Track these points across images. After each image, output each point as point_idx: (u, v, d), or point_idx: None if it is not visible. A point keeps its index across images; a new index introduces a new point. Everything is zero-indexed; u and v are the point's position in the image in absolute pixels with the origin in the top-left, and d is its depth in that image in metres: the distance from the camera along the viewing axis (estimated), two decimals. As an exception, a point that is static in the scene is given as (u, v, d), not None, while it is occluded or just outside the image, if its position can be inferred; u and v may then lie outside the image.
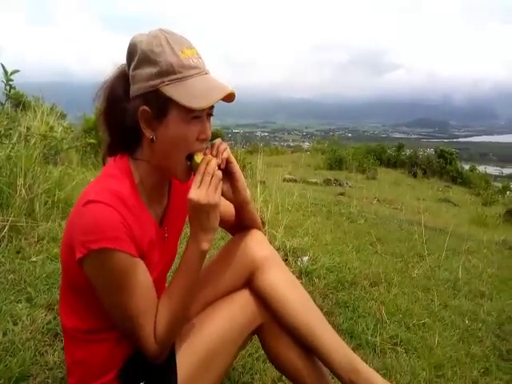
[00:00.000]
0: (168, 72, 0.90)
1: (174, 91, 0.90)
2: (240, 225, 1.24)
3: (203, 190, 0.94)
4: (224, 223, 1.22)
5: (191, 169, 0.99)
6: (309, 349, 1.16)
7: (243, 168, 7.34)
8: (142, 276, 0.94)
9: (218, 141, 1.04)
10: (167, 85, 0.90)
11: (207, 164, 0.97)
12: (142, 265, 0.94)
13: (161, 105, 0.91)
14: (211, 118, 0.99)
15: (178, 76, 0.91)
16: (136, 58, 0.93)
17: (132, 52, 0.94)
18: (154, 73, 0.90)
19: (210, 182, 0.95)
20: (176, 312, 0.98)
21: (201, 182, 0.95)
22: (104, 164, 1.05)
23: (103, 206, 0.86)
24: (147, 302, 0.96)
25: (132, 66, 0.94)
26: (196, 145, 0.97)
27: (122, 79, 0.98)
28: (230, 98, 0.97)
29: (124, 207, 0.90)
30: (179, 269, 1.01)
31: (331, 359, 1.11)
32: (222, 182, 0.99)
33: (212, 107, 0.97)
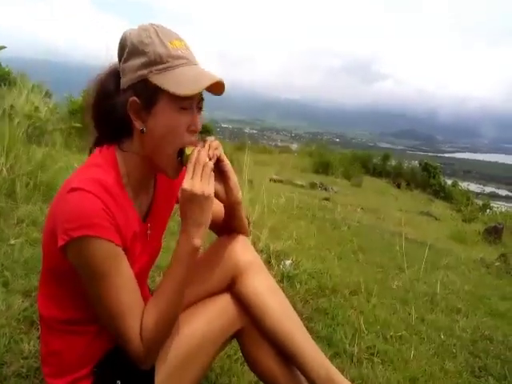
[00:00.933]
0: (156, 62, 0.91)
1: (161, 80, 0.90)
2: (228, 227, 1.22)
3: (196, 180, 0.93)
4: (212, 224, 1.20)
5: (182, 163, 0.97)
6: (287, 356, 1.16)
7: (231, 163, 7.28)
8: (125, 267, 0.92)
9: (210, 138, 1.03)
10: (155, 74, 0.91)
11: (198, 154, 0.96)
12: (124, 256, 0.92)
13: (149, 95, 0.91)
14: (201, 112, 0.99)
15: (166, 65, 0.91)
16: (126, 51, 0.94)
17: (123, 45, 0.96)
18: (142, 63, 0.91)
19: (202, 171, 0.94)
20: (165, 312, 0.95)
21: (193, 172, 0.94)
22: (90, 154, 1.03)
23: (86, 194, 0.86)
24: (130, 294, 0.93)
25: (122, 60, 0.95)
26: (186, 137, 0.96)
27: (113, 75, 0.99)
28: (219, 89, 0.97)
29: (108, 196, 0.89)
30: (170, 266, 0.98)
31: (309, 368, 1.11)
32: (213, 176, 0.97)
33: (201, 100, 0.97)
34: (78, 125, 4.31)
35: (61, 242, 0.86)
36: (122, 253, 0.92)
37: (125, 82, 0.94)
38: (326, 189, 9.85)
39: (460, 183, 22.26)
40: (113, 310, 0.91)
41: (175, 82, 0.90)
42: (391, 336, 2.12)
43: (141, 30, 0.94)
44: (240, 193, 1.13)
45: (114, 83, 0.97)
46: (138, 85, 0.92)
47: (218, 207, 1.18)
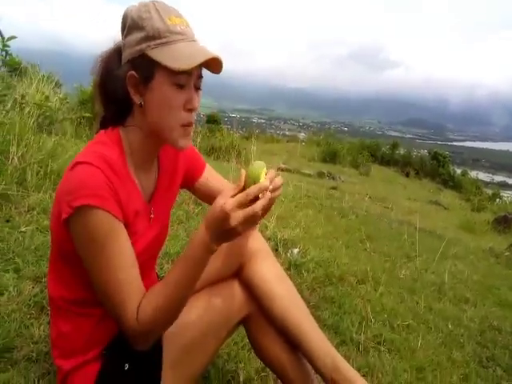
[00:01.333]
0: (154, 37, 0.91)
1: (158, 54, 0.90)
2: None
3: (238, 218, 0.86)
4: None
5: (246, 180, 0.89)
6: (293, 344, 1.16)
7: (239, 153, 7.30)
8: (124, 241, 0.91)
9: (277, 179, 0.94)
10: (153, 49, 0.91)
11: (263, 194, 0.87)
12: (125, 231, 0.92)
13: (147, 68, 0.91)
14: (200, 91, 0.97)
15: (164, 40, 0.91)
16: (126, 26, 0.95)
17: (124, 21, 0.96)
18: (141, 37, 0.91)
19: (251, 217, 0.87)
20: (169, 299, 0.92)
21: (245, 211, 0.86)
22: None
23: (89, 166, 0.87)
24: (128, 269, 0.91)
25: (124, 35, 0.96)
26: (184, 115, 0.95)
27: (117, 52, 0.99)
28: (217, 67, 0.96)
29: (110, 170, 0.89)
30: (184, 258, 0.94)
31: (315, 356, 1.12)
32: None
33: (200, 78, 0.96)
34: (87, 114, 4.32)
35: (64, 215, 0.86)
36: (122, 226, 0.91)
37: (125, 56, 0.95)
38: (333, 178, 9.80)
39: (469, 172, 22.01)
40: (109, 284, 0.90)
41: (171, 57, 0.89)
42: (398, 325, 2.12)
43: (141, 5, 0.94)
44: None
45: (117, 60, 0.98)
46: (136, 59, 0.92)
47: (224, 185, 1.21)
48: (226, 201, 0.86)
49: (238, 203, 0.86)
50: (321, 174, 9.89)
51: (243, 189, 0.89)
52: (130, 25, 0.94)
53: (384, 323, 2.11)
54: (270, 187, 0.89)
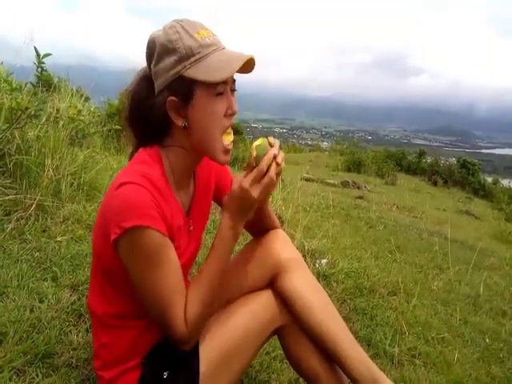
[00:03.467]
0: (188, 56, 0.92)
1: (195, 72, 0.91)
2: (258, 225, 1.23)
3: (258, 188, 0.96)
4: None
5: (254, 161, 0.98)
6: (328, 354, 1.15)
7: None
8: (173, 255, 0.95)
9: (276, 142, 1.01)
10: (188, 68, 0.92)
11: (271, 164, 0.97)
12: (172, 245, 0.95)
13: (186, 89, 0.93)
14: (235, 93, 0.99)
15: (197, 57, 0.92)
16: (156, 54, 0.95)
17: (151, 49, 0.97)
18: (174, 60, 0.92)
19: (267, 185, 0.97)
20: (205, 295, 0.98)
21: (260, 180, 0.96)
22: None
23: (135, 186, 0.89)
24: (177, 282, 0.96)
25: (153, 63, 0.96)
26: (226, 121, 0.97)
27: (143, 81, 1.00)
28: (250, 66, 0.98)
29: (155, 189, 0.91)
30: (212, 251, 1.02)
31: (351, 367, 1.10)
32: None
33: (234, 82, 0.98)
34: (117, 127, 4.45)
35: (113, 236, 0.88)
36: (170, 242, 0.94)
37: (159, 84, 0.95)
38: (358, 187, 9.66)
39: (501, 180, 21.26)
40: (161, 297, 0.94)
41: (208, 71, 0.91)
42: (433, 338, 2.06)
43: (166, 28, 0.95)
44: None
45: (145, 89, 0.99)
46: (173, 83, 0.93)
47: None
48: (242, 180, 0.96)
49: (254, 178, 0.96)
50: (345, 184, 9.77)
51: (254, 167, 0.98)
52: (159, 52, 0.94)
53: (418, 336, 2.05)
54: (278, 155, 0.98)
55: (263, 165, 0.96)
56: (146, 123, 0.99)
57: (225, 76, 0.91)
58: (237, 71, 0.95)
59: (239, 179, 0.98)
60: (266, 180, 0.96)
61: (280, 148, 1.00)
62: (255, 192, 0.96)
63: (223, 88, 0.94)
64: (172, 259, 0.95)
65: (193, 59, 0.92)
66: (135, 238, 0.88)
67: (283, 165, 1.00)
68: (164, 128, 0.99)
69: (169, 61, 0.92)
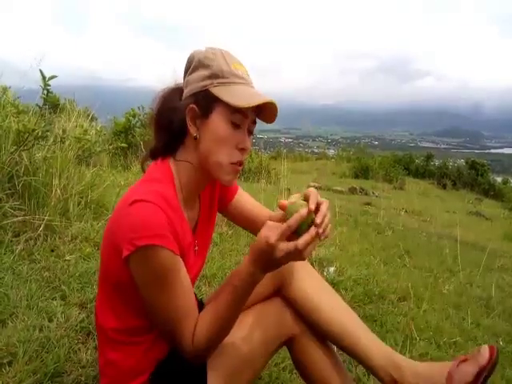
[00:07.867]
0: (218, 75, 0.97)
1: (220, 91, 0.96)
2: (260, 224, 1.23)
3: (284, 250, 0.87)
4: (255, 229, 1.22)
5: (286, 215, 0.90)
6: (347, 353, 1.15)
7: (268, 174, 7.38)
8: (184, 274, 0.96)
9: (324, 204, 0.92)
10: (216, 86, 0.97)
11: (310, 234, 0.87)
12: (183, 265, 0.96)
13: (207, 104, 0.97)
14: (252, 136, 1.02)
15: (226, 80, 0.97)
16: (192, 65, 1.01)
17: (190, 61, 1.03)
18: (205, 75, 0.98)
19: (295, 251, 0.87)
20: (220, 323, 0.97)
21: (286, 235, 0.88)
22: (143, 169, 1.09)
23: (150, 205, 0.89)
24: (188, 301, 0.96)
25: (188, 73, 1.03)
26: (235, 154, 0.99)
27: (174, 90, 1.06)
28: (271, 117, 1.01)
29: (169, 208, 0.92)
30: (233, 287, 0.96)
31: (371, 359, 1.10)
32: None
33: (253, 124, 1.01)
34: (124, 145, 4.51)
35: (126, 253, 0.88)
36: (181, 261, 0.95)
37: (187, 91, 1.01)
38: (366, 193, 9.62)
39: (511, 180, 20.98)
40: (171, 315, 0.95)
41: (232, 95, 0.95)
42: (444, 342, 2.03)
43: (208, 49, 1.02)
44: None
45: (177, 96, 1.04)
46: (198, 94, 0.98)
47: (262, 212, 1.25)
48: (271, 233, 0.88)
49: (281, 235, 0.87)
50: (353, 190, 9.74)
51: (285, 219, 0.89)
52: (195, 64, 1.01)
53: (429, 341, 2.03)
54: (317, 220, 0.87)
55: (292, 224, 0.86)
56: (168, 125, 1.02)
57: (246, 104, 0.93)
58: (259, 118, 1.00)
59: (269, 225, 0.90)
60: (290, 246, 0.87)
61: (324, 207, 0.90)
62: (279, 252, 0.87)
63: (241, 120, 0.97)
64: (183, 280, 0.95)
65: (221, 80, 0.97)
66: (147, 256, 0.89)
67: (328, 231, 0.90)
68: (181, 135, 1.02)
69: (201, 73, 0.98)
